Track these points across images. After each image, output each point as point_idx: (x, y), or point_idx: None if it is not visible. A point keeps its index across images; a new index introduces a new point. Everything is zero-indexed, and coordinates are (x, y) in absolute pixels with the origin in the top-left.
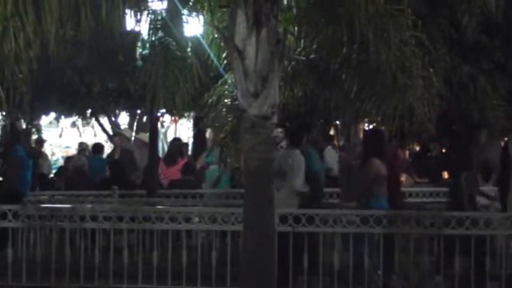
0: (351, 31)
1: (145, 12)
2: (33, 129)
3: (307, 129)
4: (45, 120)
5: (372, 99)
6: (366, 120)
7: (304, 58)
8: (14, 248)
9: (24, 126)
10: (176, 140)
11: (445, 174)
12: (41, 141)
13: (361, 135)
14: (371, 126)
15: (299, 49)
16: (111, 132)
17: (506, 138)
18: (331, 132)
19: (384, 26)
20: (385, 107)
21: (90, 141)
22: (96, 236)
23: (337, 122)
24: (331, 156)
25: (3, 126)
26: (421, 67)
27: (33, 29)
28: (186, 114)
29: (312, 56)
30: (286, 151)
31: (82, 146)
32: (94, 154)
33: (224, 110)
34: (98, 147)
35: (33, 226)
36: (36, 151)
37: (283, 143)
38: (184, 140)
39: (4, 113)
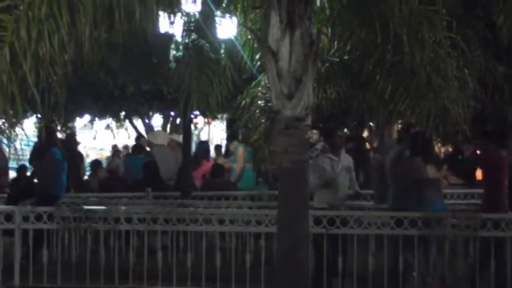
0: (385, 32)
1: (179, 14)
2: (68, 131)
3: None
4: (79, 122)
5: (406, 101)
6: (400, 121)
7: (337, 59)
8: (49, 249)
9: (59, 128)
10: (202, 143)
11: (478, 175)
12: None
13: (396, 137)
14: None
15: (332, 50)
16: (144, 134)
17: None
18: (365, 133)
19: (418, 27)
20: (419, 108)
21: (124, 143)
22: (131, 238)
23: (371, 124)
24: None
25: (39, 129)
26: (455, 68)
27: (68, 31)
28: (219, 116)
29: (345, 57)
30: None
31: (116, 148)
32: (133, 154)
33: (257, 111)
34: (138, 147)
35: (68, 228)
36: (81, 155)
37: (319, 145)
38: (218, 142)
39: (39, 116)
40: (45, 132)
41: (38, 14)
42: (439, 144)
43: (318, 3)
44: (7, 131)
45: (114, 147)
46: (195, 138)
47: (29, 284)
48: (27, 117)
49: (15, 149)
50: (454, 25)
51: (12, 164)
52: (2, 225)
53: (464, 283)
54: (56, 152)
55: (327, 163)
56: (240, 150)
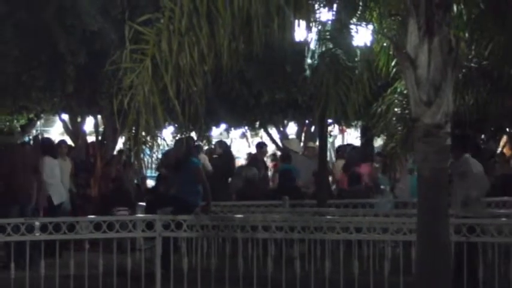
0: None
1: (314, 23)
2: (204, 141)
3: None
4: (215, 131)
5: None
6: None
7: (476, 65)
8: (189, 257)
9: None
10: None
11: None
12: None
13: None
14: None
15: (470, 56)
16: (279, 143)
17: None
18: (503, 139)
19: None
20: None
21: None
22: (268, 246)
23: (509, 130)
24: None
25: (179, 139)
26: None
27: (207, 43)
28: (353, 124)
29: (484, 63)
30: None
31: (252, 156)
32: (283, 163)
33: (394, 119)
34: (287, 156)
35: (207, 236)
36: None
37: None
38: None
39: (176, 126)
40: (185, 142)
41: (178, 26)
42: None
43: (455, 9)
44: (149, 142)
45: (250, 155)
46: (329, 145)
47: None
48: (165, 127)
49: (157, 158)
50: None
51: (153, 173)
52: (143, 233)
53: None
54: (197, 162)
55: None
56: None
